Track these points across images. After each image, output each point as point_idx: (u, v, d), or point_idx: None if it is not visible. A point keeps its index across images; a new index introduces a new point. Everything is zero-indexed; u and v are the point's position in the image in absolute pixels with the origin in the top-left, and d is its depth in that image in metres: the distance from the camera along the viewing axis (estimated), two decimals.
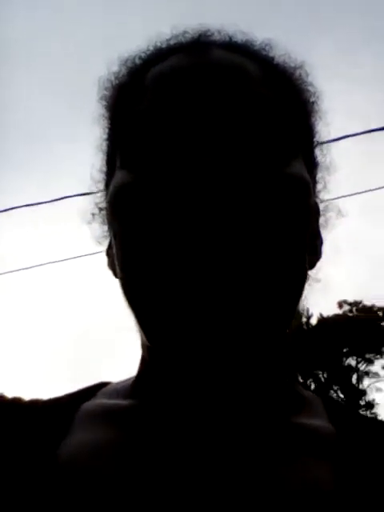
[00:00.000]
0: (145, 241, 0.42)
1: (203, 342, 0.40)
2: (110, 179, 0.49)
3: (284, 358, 0.50)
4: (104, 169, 0.53)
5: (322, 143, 0.54)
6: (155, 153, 0.43)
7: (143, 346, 0.49)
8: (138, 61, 0.51)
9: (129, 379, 0.53)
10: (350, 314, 20.36)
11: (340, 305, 20.61)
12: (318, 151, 0.54)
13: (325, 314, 19.78)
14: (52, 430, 0.47)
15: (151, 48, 0.51)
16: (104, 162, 0.53)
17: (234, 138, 0.43)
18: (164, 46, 0.50)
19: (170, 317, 0.41)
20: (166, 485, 0.41)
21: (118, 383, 0.54)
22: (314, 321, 19.53)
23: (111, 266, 0.52)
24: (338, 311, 20.49)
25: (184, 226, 0.40)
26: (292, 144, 0.46)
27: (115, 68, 0.52)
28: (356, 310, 20.56)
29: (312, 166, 0.52)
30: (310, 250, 0.48)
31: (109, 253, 0.53)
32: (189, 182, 0.40)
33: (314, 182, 0.53)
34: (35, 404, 0.52)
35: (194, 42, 0.49)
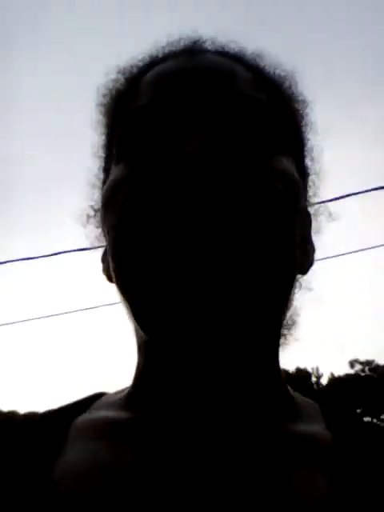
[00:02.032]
0: (138, 229, 0.43)
1: (197, 321, 0.40)
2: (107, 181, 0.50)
3: (277, 363, 0.49)
4: (100, 175, 0.55)
5: (316, 163, 0.56)
6: (149, 146, 0.45)
7: (139, 350, 0.49)
8: (134, 67, 0.53)
9: (124, 390, 0.52)
10: (363, 374, 20.06)
11: (351, 364, 20.34)
12: (308, 160, 0.55)
13: (336, 374, 19.49)
14: (47, 446, 0.46)
15: (147, 56, 0.53)
16: (101, 168, 0.55)
17: (224, 132, 0.44)
18: (160, 52, 0.53)
19: (164, 298, 0.41)
20: (164, 500, 0.40)
21: (112, 394, 0.53)
22: (324, 380, 19.22)
23: (106, 272, 0.52)
24: (350, 371, 20.21)
25: (175, 214, 0.41)
26: (279, 142, 0.47)
27: (112, 76, 0.54)
28: (368, 369, 20.26)
29: (303, 172, 0.53)
30: (301, 250, 0.48)
31: (104, 259, 0.53)
32: (180, 174, 0.41)
33: (305, 189, 0.54)
34: (30, 418, 0.51)
35: (189, 47, 0.52)
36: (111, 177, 0.48)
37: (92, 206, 0.56)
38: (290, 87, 0.53)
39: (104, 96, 0.54)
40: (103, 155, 0.54)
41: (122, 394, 0.51)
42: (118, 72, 0.54)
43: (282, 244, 0.44)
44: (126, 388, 0.51)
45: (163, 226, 0.42)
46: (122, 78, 0.54)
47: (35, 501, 0.41)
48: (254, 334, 0.43)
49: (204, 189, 0.41)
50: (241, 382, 0.45)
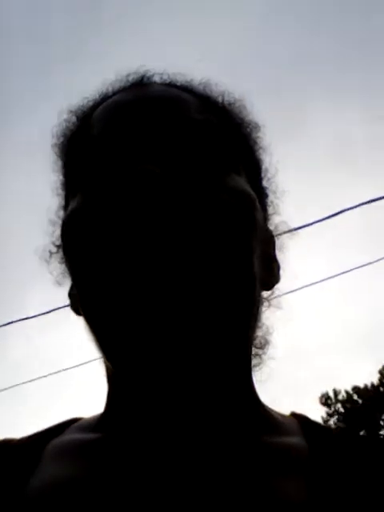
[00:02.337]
0: (96, 260, 0.43)
1: (157, 349, 0.41)
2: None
3: (249, 382, 0.49)
4: (60, 213, 0.55)
5: (271, 175, 0.57)
6: (102, 175, 0.46)
7: (108, 377, 0.50)
8: (85, 105, 0.55)
9: (98, 414, 0.52)
10: None
11: None
12: (265, 180, 0.56)
13: None
14: (20, 469, 0.47)
15: (98, 94, 0.55)
16: (60, 206, 0.56)
17: (173, 155, 0.45)
18: (109, 88, 0.54)
19: (124, 333, 0.41)
20: None
21: (87, 418, 0.54)
22: None
23: (73, 306, 0.53)
24: None
25: (128, 241, 0.42)
26: (231, 161, 0.48)
27: (64, 117, 0.56)
28: None
29: (260, 192, 0.53)
30: (263, 267, 0.49)
31: (71, 294, 0.54)
32: (131, 200, 0.42)
33: (265, 210, 0.55)
34: (6, 444, 0.52)
35: (137, 80, 0.54)
36: (68, 210, 0.49)
37: (53, 243, 0.56)
38: (239, 111, 0.54)
39: (58, 136, 0.56)
40: (62, 194, 0.55)
41: (97, 416, 0.52)
42: (70, 112, 0.55)
43: (238, 260, 0.43)
44: (99, 412, 0.52)
45: (118, 254, 0.42)
46: (73, 117, 0.55)
47: None
48: (218, 357, 0.43)
49: (152, 205, 0.41)
50: (209, 402, 0.45)
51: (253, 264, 0.45)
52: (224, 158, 0.47)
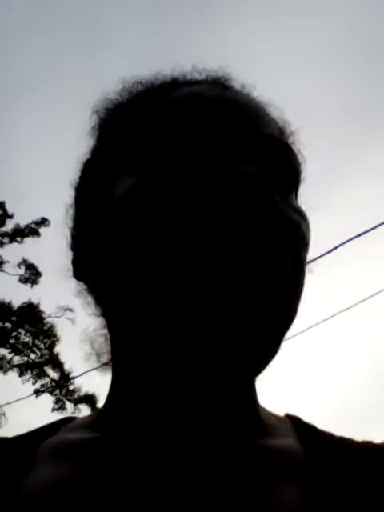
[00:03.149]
0: (163, 243, 0.41)
1: (208, 347, 0.40)
2: (99, 194, 0.49)
3: (249, 384, 0.49)
4: (92, 184, 0.52)
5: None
6: (187, 163, 0.43)
7: (115, 370, 0.49)
8: (153, 84, 0.52)
9: (93, 413, 0.52)
10: None
11: None
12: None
13: None
14: (13, 469, 0.46)
15: (164, 77, 0.53)
16: (95, 173, 0.52)
17: (260, 165, 0.44)
18: (183, 76, 0.53)
19: (185, 309, 0.40)
20: None
21: (82, 418, 0.53)
22: None
23: (78, 273, 0.51)
24: None
25: (213, 234, 0.40)
26: (295, 184, 0.49)
27: (116, 89, 0.54)
28: None
29: None
30: None
31: (75, 261, 0.51)
32: (233, 191, 0.41)
33: None
34: None
35: (218, 80, 0.52)
36: (126, 184, 0.45)
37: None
38: (294, 136, 0.54)
39: (109, 106, 0.53)
40: (98, 164, 0.51)
41: (91, 417, 0.51)
42: (136, 83, 0.53)
43: (297, 284, 0.44)
44: (96, 411, 0.51)
45: (194, 242, 0.40)
46: (130, 92, 0.53)
47: None
48: (255, 360, 0.42)
49: (256, 210, 0.40)
50: (211, 404, 0.44)
51: (304, 280, 0.46)
52: (293, 181, 0.48)
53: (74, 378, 11.43)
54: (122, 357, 0.48)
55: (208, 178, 0.42)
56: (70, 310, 11.40)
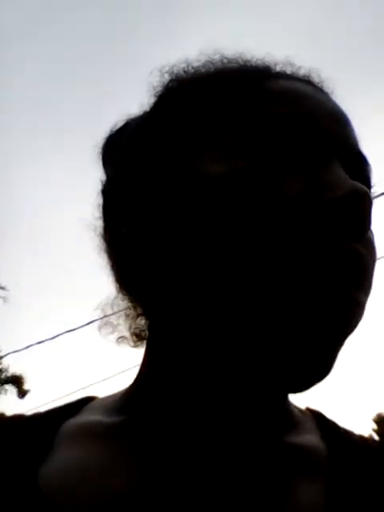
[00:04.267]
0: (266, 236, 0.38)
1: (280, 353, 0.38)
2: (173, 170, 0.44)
3: None
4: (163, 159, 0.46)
5: None
6: (286, 156, 0.41)
7: (151, 353, 0.47)
8: (240, 66, 0.49)
9: (116, 394, 0.50)
10: None
11: None
12: None
13: None
14: (32, 450, 0.44)
15: (252, 62, 0.50)
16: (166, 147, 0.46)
17: (355, 174, 0.43)
18: (272, 66, 0.49)
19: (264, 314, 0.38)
20: (157, 508, 0.39)
21: (104, 398, 0.51)
22: None
23: (126, 274, 0.47)
24: None
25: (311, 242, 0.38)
26: None
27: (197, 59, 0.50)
28: None
29: None
30: None
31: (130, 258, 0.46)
32: (325, 206, 0.38)
33: None
34: (17, 420, 0.49)
35: (310, 79, 0.50)
36: (228, 166, 0.41)
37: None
38: None
39: (189, 77, 0.49)
40: (172, 130, 0.46)
41: (115, 398, 0.49)
42: (229, 61, 0.50)
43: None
44: (119, 392, 0.49)
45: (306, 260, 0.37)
46: (221, 69, 0.49)
47: (19, 504, 0.40)
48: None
49: (360, 231, 0.39)
50: (244, 393, 0.43)
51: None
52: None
53: (1, 357, 11.10)
54: (164, 341, 0.45)
55: (308, 186, 0.40)
56: (2, 287, 11.05)
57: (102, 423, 0.46)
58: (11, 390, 11.45)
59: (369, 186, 0.46)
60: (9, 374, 11.30)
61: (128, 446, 0.43)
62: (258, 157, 0.41)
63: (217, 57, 0.50)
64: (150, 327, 0.49)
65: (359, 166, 0.44)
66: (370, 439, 0.49)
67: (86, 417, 0.48)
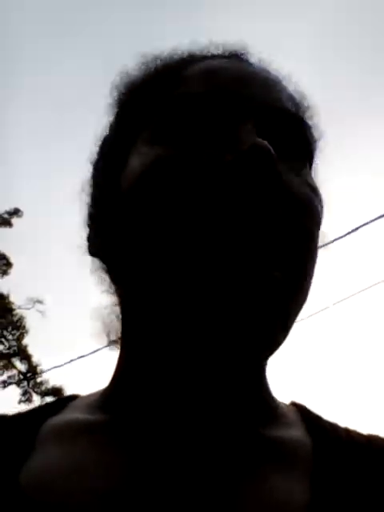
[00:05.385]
0: (182, 211, 0.41)
1: (219, 326, 0.39)
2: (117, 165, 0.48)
3: (260, 370, 0.48)
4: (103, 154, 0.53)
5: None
6: (198, 132, 0.44)
7: (125, 349, 0.48)
8: (171, 60, 0.52)
9: (98, 392, 0.50)
10: None
11: None
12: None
13: None
14: (14, 449, 0.45)
15: (182, 51, 0.53)
16: (107, 148, 0.53)
17: (273, 140, 0.43)
18: (200, 51, 0.53)
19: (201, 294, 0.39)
20: (137, 504, 0.39)
21: (87, 396, 0.52)
22: None
23: (93, 249, 0.51)
24: None
25: (219, 204, 0.40)
26: (309, 158, 0.49)
27: (135, 64, 0.53)
28: None
29: None
30: None
31: (96, 235, 0.51)
32: (242, 169, 0.40)
33: None
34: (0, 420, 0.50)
35: (236, 53, 0.53)
36: (148, 155, 0.44)
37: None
38: (313, 112, 0.54)
39: (126, 80, 0.53)
40: (114, 138, 0.52)
41: (97, 395, 0.50)
42: (155, 58, 0.53)
43: (308, 256, 0.43)
44: (101, 390, 0.50)
45: (213, 215, 0.40)
46: (150, 67, 0.52)
47: (0, 503, 0.40)
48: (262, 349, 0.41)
49: (264, 184, 0.40)
50: (223, 385, 0.44)
51: (315, 260, 0.45)
52: (309, 156, 0.48)
53: (43, 371, 11.29)
54: (132, 336, 0.47)
55: (219, 152, 0.42)
56: (40, 301, 11.26)
57: (84, 421, 0.46)
58: None
59: (302, 137, 0.47)
60: (49, 386, 11.47)
61: (108, 442, 0.44)
62: (176, 138, 0.44)
63: (150, 57, 0.53)
64: (121, 322, 0.49)
65: (285, 121, 0.46)
66: (354, 432, 0.48)
67: (69, 415, 0.48)
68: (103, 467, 0.42)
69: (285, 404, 0.51)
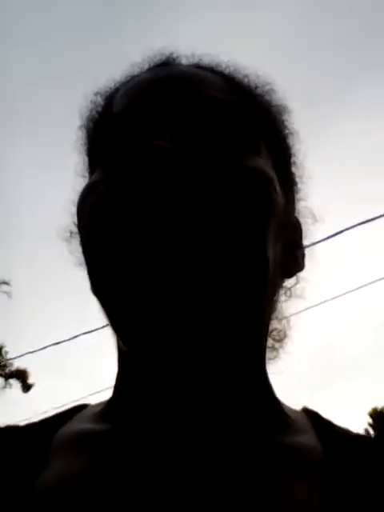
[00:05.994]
0: (104, 235, 0.43)
1: (163, 327, 0.40)
2: None
3: (264, 375, 0.49)
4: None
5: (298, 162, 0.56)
6: (121, 150, 0.46)
7: (118, 361, 0.49)
8: (111, 87, 0.54)
9: (103, 402, 0.51)
10: None
11: None
12: (294, 167, 0.55)
13: None
14: (29, 461, 0.45)
15: (124, 75, 0.54)
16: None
17: (192, 132, 0.45)
18: (135, 69, 0.54)
19: (132, 303, 0.41)
20: None
21: (95, 406, 0.52)
22: None
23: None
24: None
25: (135, 216, 0.41)
26: (249, 141, 0.47)
27: (91, 99, 0.56)
28: None
29: (286, 177, 0.52)
30: (285, 253, 0.49)
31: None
32: (141, 176, 0.42)
33: (291, 195, 0.54)
34: (12, 431, 0.50)
35: (163, 61, 0.54)
36: (85, 184, 0.48)
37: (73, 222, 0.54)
38: (267, 94, 0.54)
39: (83, 118, 0.55)
40: (87, 174, 0.54)
41: (103, 405, 0.50)
42: (97, 94, 0.55)
43: (248, 239, 0.43)
44: (106, 400, 0.50)
45: (127, 225, 0.41)
46: (98, 98, 0.55)
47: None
48: (226, 339, 0.43)
49: (165, 181, 0.41)
50: (223, 391, 0.44)
51: (265, 245, 0.44)
52: (243, 138, 0.47)
53: (11, 358, 11.17)
54: (119, 346, 0.48)
55: (129, 162, 0.44)
56: (6, 283, 11.08)
57: (89, 431, 0.47)
58: (16, 384, 11.52)
59: (236, 122, 0.46)
60: (13, 369, 11.36)
61: (113, 453, 0.44)
62: (105, 161, 0.47)
63: (95, 94, 0.56)
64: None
65: (212, 112, 0.46)
66: (366, 437, 0.49)
67: (76, 425, 0.49)
68: (106, 477, 0.42)
69: (295, 410, 0.51)
